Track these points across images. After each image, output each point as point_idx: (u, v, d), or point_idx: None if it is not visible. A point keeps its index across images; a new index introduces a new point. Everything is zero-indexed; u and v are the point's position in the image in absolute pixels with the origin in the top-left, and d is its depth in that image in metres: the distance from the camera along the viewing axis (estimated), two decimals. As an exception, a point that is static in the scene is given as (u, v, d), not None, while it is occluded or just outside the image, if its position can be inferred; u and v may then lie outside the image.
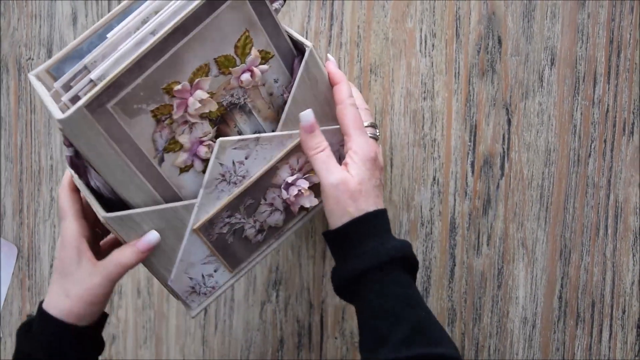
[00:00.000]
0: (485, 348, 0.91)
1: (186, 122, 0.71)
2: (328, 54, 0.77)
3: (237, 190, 0.75)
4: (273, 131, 0.76)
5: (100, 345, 0.79)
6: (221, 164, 0.73)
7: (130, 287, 1.07)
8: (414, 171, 0.92)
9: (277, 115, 0.76)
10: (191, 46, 0.66)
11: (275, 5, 0.71)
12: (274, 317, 1.01)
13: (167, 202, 0.73)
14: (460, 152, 0.90)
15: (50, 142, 1.09)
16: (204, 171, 0.73)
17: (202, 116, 0.71)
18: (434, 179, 0.91)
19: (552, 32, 0.86)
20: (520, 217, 0.88)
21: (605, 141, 0.85)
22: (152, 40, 0.64)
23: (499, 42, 0.88)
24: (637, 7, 0.83)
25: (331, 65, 0.75)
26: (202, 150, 0.72)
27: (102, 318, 0.79)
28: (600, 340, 0.87)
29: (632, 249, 0.85)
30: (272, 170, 0.76)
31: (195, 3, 0.64)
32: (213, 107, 0.71)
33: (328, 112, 0.75)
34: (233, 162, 0.74)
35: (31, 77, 0.71)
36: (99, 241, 0.81)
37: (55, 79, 0.70)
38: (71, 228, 0.75)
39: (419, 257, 0.92)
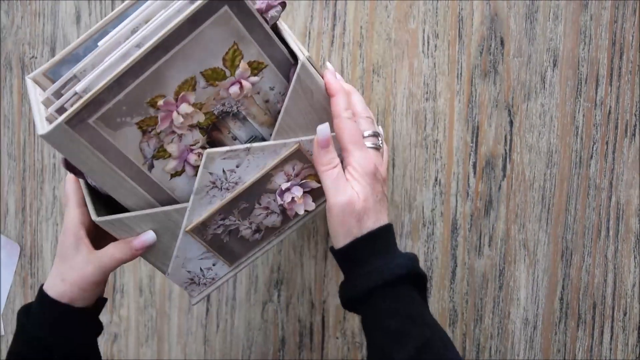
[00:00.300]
0: (486, 349, 0.91)
1: (174, 132, 0.70)
2: (327, 62, 0.75)
3: (229, 196, 0.74)
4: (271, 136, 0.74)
5: (97, 327, 0.81)
6: (211, 173, 0.72)
7: (132, 286, 1.07)
8: (416, 172, 0.92)
9: (275, 120, 0.73)
10: (174, 62, 0.65)
11: (272, 12, 0.69)
12: (276, 316, 1.01)
13: (160, 203, 0.73)
14: (462, 153, 0.90)
15: (53, 141, 1.09)
16: (196, 175, 0.73)
17: (191, 126, 0.70)
18: (436, 179, 0.91)
19: (555, 33, 0.86)
20: (521, 218, 0.88)
21: (607, 143, 0.85)
22: (133, 56, 0.62)
23: (502, 43, 0.87)
24: (640, 9, 0.83)
25: (328, 76, 0.72)
26: (192, 158, 0.71)
27: (100, 302, 0.81)
28: (601, 342, 0.87)
29: (634, 251, 0.85)
30: (267, 177, 0.75)
31: (175, 22, 0.62)
32: (200, 118, 0.70)
33: (326, 121, 0.73)
34: (223, 171, 0.73)
35: (28, 80, 0.71)
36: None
37: (53, 82, 0.70)
38: (72, 215, 0.77)
39: (421, 258, 0.92)
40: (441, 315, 0.92)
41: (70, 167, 0.73)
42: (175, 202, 0.74)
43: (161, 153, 0.70)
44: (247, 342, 1.02)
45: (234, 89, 0.69)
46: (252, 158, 0.73)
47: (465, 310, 0.91)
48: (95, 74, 0.64)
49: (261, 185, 0.75)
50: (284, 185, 0.76)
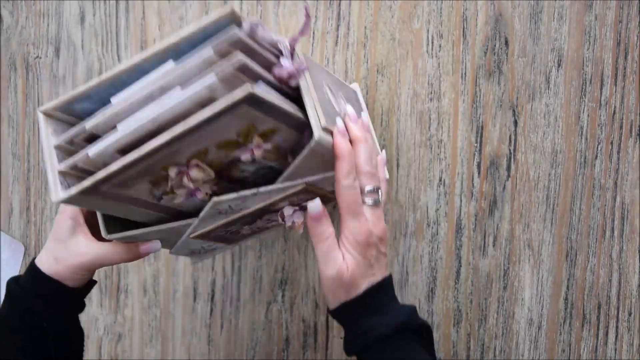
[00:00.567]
0: (490, 349, 0.91)
1: (184, 186, 0.71)
2: (338, 119, 0.72)
3: (235, 216, 0.76)
4: (281, 167, 0.74)
5: (82, 306, 0.83)
6: (218, 210, 0.74)
7: (136, 286, 1.07)
8: (420, 172, 0.92)
9: (284, 157, 0.73)
10: (189, 143, 0.64)
11: (293, 82, 0.68)
12: (280, 316, 1.01)
13: (167, 214, 0.74)
14: (467, 153, 0.90)
15: (57, 141, 1.10)
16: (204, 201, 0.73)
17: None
18: (440, 179, 0.91)
19: (559, 33, 0.85)
20: (526, 218, 0.88)
21: (612, 143, 0.85)
22: (149, 148, 0.62)
23: (506, 43, 0.87)
24: (645, 8, 0.83)
25: (337, 137, 0.71)
26: (200, 196, 0.72)
27: (90, 284, 0.84)
28: (606, 342, 0.87)
29: (639, 251, 0.85)
30: (272, 204, 0.76)
31: (194, 120, 0.61)
32: (211, 174, 0.70)
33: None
34: (230, 206, 0.74)
35: (40, 114, 0.71)
36: None
37: (64, 114, 0.71)
38: None
39: (425, 258, 0.92)
40: (445, 316, 0.92)
41: None
42: (182, 213, 0.75)
43: (170, 194, 0.71)
44: (251, 342, 1.03)
45: (246, 156, 0.69)
46: (259, 197, 0.73)
47: (469, 310, 0.91)
48: (106, 143, 0.64)
49: (266, 209, 0.77)
50: (287, 212, 0.78)
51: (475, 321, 0.91)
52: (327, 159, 0.71)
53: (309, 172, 0.73)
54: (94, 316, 1.10)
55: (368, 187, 0.73)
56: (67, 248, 0.78)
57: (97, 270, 0.84)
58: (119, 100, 0.66)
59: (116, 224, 0.76)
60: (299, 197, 0.77)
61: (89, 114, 0.70)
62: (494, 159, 0.89)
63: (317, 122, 0.68)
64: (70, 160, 0.66)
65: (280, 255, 1.00)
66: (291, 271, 1.00)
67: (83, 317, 0.89)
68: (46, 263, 0.79)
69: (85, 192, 0.65)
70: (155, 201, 0.71)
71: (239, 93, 0.59)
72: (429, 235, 0.92)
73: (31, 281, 0.79)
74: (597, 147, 0.85)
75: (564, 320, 0.88)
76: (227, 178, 0.72)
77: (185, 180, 0.69)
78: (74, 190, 0.64)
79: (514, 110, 0.88)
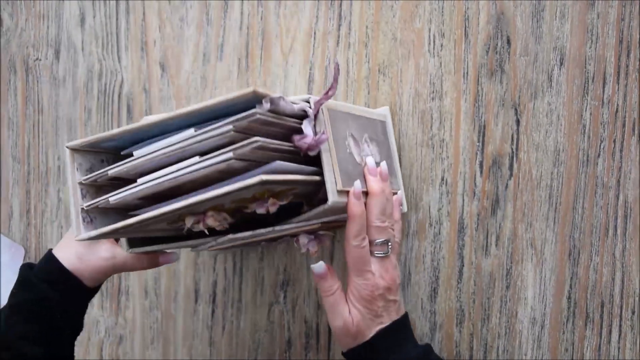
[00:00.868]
0: (493, 348, 0.91)
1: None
2: (357, 182, 0.74)
3: (251, 240, 0.78)
4: (298, 202, 0.77)
5: (87, 306, 0.87)
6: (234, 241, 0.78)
7: (137, 288, 1.07)
8: (422, 171, 0.92)
9: (302, 197, 0.76)
10: (204, 204, 0.68)
11: (312, 154, 0.72)
12: (282, 318, 1.01)
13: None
14: (469, 152, 0.90)
15: (57, 143, 1.09)
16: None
17: None
18: (443, 179, 0.91)
19: (561, 32, 0.86)
20: (529, 217, 0.88)
21: (614, 141, 0.85)
22: (169, 208, 0.68)
23: (508, 42, 0.87)
24: (647, 7, 0.83)
25: (351, 199, 0.74)
26: (209, 221, 0.74)
27: (99, 287, 0.88)
28: (609, 341, 0.86)
29: (642, 249, 0.85)
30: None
31: (213, 193, 0.66)
32: (227, 218, 0.74)
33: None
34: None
35: (67, 150, 0.75)
36: None
37: (90, 148, 0.76)
38: None
39: (427, 258, 0.92)
40: (448, 315, 0.92)
41: None
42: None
43: (180, 222, 0.75)
44: (253, 344, 1.02)
45: (261, 210, 0.72)
46: (274, 232, 0.76)
47: (472, 310, 0.91)
48: (127, 195, 0.71)
49: (282, 235, 0.81)
50: (303, 240, 0.81)
51: (478, 321, 0.91)
52: (342, 209, 0.75)
53: (323, 216, 0.76)
54: (95, 318, 1.09)
55: (377, 240, 0.77)
56: (93, 250, 0.83)
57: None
58: (140, 154, 0.71)
59: (137, 237, 0.82)
60: (313, 231, 0.81)
61: (112, 148, 0.76)
62: (497, 158, 0.89)
63: (333, 188, 0.72)
64: (93, 201, 0.73)
65: (282, 257, 1.00)
66: (293, 272, 0.99)
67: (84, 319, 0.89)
68: (68, 259, 0.82)
69: (104, 235, 0.72)
70: (169, 226, 0.76)
71: (252, 180, 0.64)
72: (432, 234, 0.92)
73: (50, 273, 0.82)
74: (600, 146, 0.85)
75: (567, 319, 0.88)
76: (243, 215, 0.75)
77: (201, 226, 0.73)
78: (94, 233, 0.72)
79: (516, 109, 0.88)
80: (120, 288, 1.08)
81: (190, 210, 0.69)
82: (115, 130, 0.72)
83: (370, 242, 0.76)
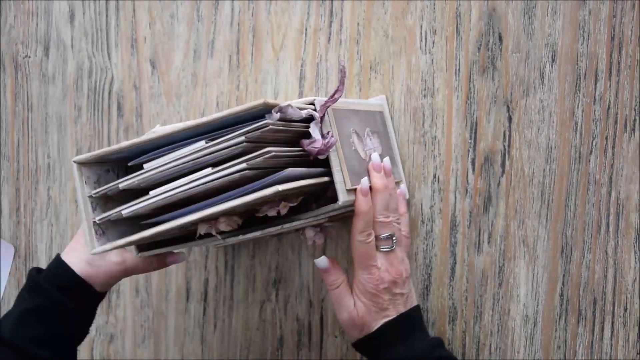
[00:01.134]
0: (486, 346, 0.90)
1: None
2: (363, 180, 0.76)
3: (261, 234, 0.79)
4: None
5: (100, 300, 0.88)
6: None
7: (128, 286, 1.06)
8: (415, 169, 0.91)
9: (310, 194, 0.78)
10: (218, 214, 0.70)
11: (322, 157, 0.73)
12: (274, 316, 1.00)
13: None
14: (461, 149, 0.89)
15: (47, 141, 1.09)
16: None
17: None
18: (435, 176, 0.91)
19: (553, 28, 0.85)
20: (521, 214, 0.88)
21: (606, 138, 0.85)
22: (175, 224, 0.70)
23: (500, 39, 0.87)
24: (639, 3, 0.83)
25: (359, 196, 0.76)
26: (221, 227, 0.75)
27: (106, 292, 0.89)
28: (602, 338, 0.86)
29: (634, 246, 0.85)
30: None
31: (223, 207, 0.68)
32: (238, 221, 0.75)
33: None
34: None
35: (74, 165, 0.76)
36: None
37: (97, 160, 0.77)
38: None
39: (419, 255, 0.92)
40: (440, 313, 0.92)
41: None
42: None
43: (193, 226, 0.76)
44: (245, 342, 1.02)
45: (272, 212, 0.74)
46: (282, 229, 0.77)
47: (464, 308, 0.91)
48: (140, 207, 0.72)
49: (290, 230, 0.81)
50: (309, 234, 0.84)
51: (471, 318, 0.91)
52: (350, 205, 0.77)
53: (331, 212, 0.77)
54: (85, 317, 1.09)
55: (382, 235, 0.78)
56: (102, 255, 0.83)
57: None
58: (151, 166, 0.72)
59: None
60: (320, 223, 0.83)
61: (119, 159, 0.77)
62: (489, 155, 0.88)
63: (342, 188, 0.74)
64: (105, 215, 0.74)
65: (273, 254, 0.99)
66: (285, 270, 0.99)
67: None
68: (78, 265, 0.83)
69: (119, 247, 0.73)
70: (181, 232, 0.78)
71: (268, 191, 0.66)
72: (424, 232, 0.92)
73: (61, 278, 0.83)
74: (592, 143, 0.85)
75: (559, 317, 0.88)
76: (252, 216, 0.77)
77: (213, 231, 0.75)
78: (109, 247, 0.73)
79: (508, 106, 0.87)
80: (111, 286, 1.07)
81: (204, 219, 0.70)
82: (124, 144, 0.73)
83: (376, 237, 0.78)
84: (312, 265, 0.97)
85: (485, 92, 0.88)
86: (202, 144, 0.69)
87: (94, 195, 0.75)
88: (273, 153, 0.67)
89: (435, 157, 0.90)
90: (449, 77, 0.89)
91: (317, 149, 0.72)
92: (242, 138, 0.67)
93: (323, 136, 0.73)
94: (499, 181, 0.88)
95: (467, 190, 0.90)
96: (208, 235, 0.76)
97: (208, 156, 0.69)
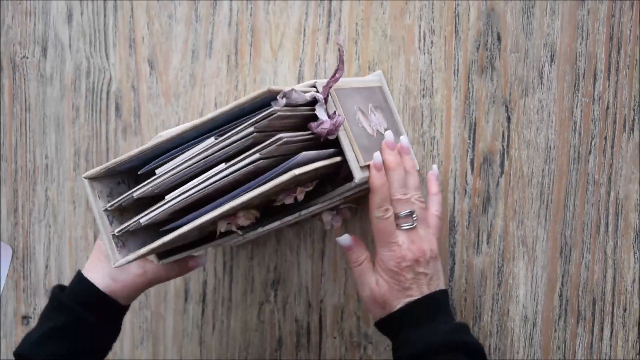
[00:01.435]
0: (485, 347, 0.90)
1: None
2: (376, 154, 0.76)
3: (276, 224, 0.79)
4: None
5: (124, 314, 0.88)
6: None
7: (126, 287, 1.06)
8: (413, 169, 0.91)
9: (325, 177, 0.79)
10: (236, 208, 0.70)
11: (331, 138, 0.74)
12: (272, 317, 1.00)
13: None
14: (460, 149, 0.89)
15: (45, 141, 1.08)
16: None
17: None
18: (433, 176, 0.90)
19: (552, 28, 0.85)
20: (520, 214, 0.88)
21: (605, 138, 0.84)
22: (196, 224, 0.69)
23: (498, 38, 0.87)
24: (637, 3, 0.83)
25: (373, 171, 0.76)
26: (240, 221, 0.75)
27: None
28: (601, 339, 0.86)
29: (633, 246, 0.84)
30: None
31: (240, 200, 0.68)
32: (257, 214, 0.76)
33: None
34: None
35: (85, 181, 0.76)
36: None
37: (107, 173, 0.76)
38: None
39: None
40: (439, 314, 0.92)
41: None
42: None
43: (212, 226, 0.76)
44: (243, 343, 1.02)
45: (289, 200, 0.75)
46: (300, 216, 0.78)
47: (464, 308, 0.91)
48: (158, 213, 0.71)
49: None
50: (326, 218, 0.84)
51: (470, 319, 0.91)
52: (365, 182, 0.77)
53: (347, 193, 0.78)
54: (83, 318, 1.09)
55: (401, 213, 0.77)
56: (123, 268, 0.81)
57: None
58: (163, 171, 0.72)
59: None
60: (337, 206, 0.83)
61: (128, 169, 0.77)
62: (487, 156, 0.88)
63: (356, 165, 0.74)
64: (124, 226, 0.73)
65: (272, 255, 0.99)
66: (283, 271, 0.99)
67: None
68: (102, 281, 0.82)
69: (141, 256, 0.73)
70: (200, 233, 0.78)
71: (285, 177, 0.66)
72: (423, 232, 0.91)
73: (85, 295, 0.82)
74: (591, 143, 0.85)
75: (558, 317, 0.88)
76: (270, 206, 0.77)
77: (232, 227, 0.75)
78: (132, 257, 0.72)
79: (506, 106, 0.87)
80: (109, 287, 1.07)
81: (223, 215, 0.70)
82: (132, 152, 0.72)
83: (395, 215, 0.77)
84: (311, 266, 0.97)
85: (484, 92, 0.88)
86: (211, 140, 0.69)
87: (109, 209, 0.75)
88: (285, 139, 0.66)
89: (434, 158, 0.90)
90: (448, 77, 0.89)
91: (326, 130, 0.72)
92: (252, 129, 0.67)
93: (330, 117, 0.73)
94: (498, 181, 0.88)
95: (466, 191, 0.89)
96: (227, 233, 0.76)
97: (219, 152, 0.69)
